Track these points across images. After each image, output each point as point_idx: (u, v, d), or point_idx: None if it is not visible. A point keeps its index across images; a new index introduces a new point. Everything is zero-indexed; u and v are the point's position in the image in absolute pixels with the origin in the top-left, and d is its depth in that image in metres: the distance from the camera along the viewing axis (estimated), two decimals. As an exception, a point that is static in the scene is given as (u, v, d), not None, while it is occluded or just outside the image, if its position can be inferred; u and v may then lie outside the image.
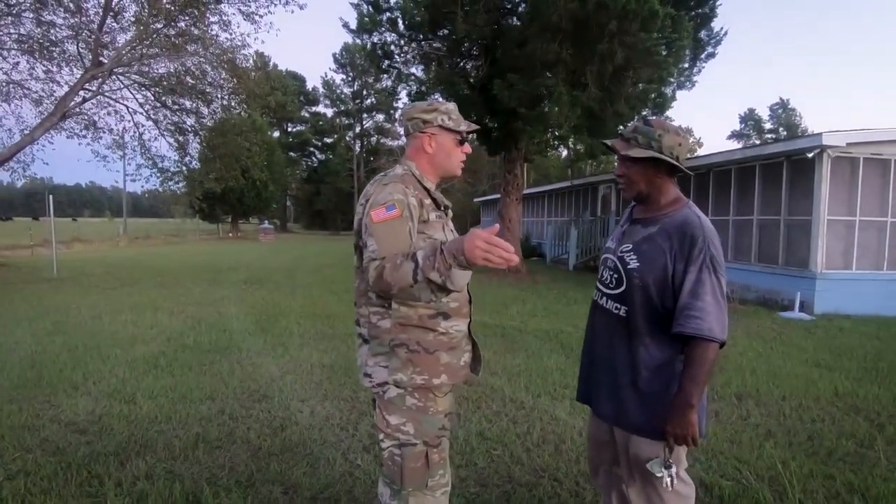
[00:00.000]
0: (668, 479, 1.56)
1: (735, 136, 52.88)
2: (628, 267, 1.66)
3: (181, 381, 3.97)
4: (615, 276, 1.70)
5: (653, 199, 1.70)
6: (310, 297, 8.41)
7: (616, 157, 1.72)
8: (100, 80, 12.08)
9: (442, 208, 1.63)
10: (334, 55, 45.01)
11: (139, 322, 6.21)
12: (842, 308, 7.51)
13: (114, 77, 12.55)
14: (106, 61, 11.87)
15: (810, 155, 7.65)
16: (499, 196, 13.59)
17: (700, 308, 1.51)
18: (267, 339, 5.42)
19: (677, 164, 1.63)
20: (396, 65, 12.43)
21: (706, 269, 1.54)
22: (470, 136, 1.69)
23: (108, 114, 13.79)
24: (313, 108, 49.87)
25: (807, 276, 7.78)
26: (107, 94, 13.04)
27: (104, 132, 13.88)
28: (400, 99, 13.80)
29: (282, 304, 7.69)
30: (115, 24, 12.36)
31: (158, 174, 15.33)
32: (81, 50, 11.90)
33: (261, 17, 12.52)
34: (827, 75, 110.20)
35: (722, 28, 11.17)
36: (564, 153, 18.56)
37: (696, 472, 2.61)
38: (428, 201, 1.57)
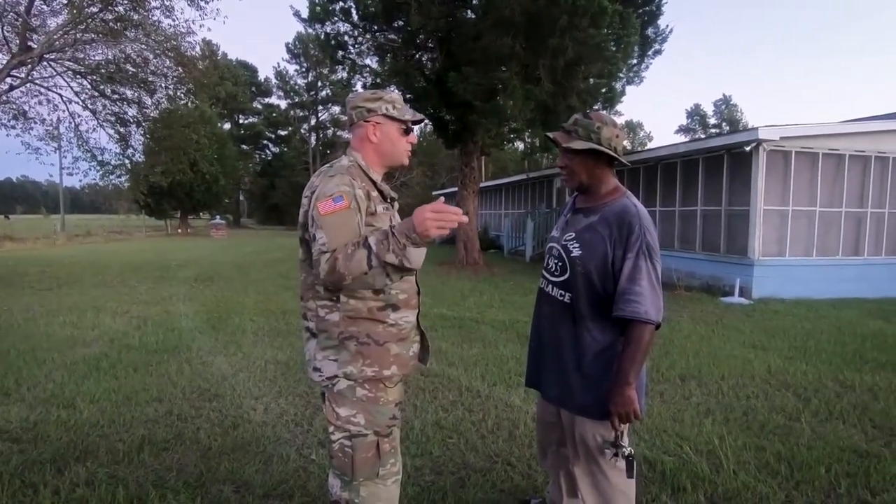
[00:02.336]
0: (622, 461, 1.64)
1: (682, 130, 55.25)
2: (571, 255, 1.72)
3: (125, 384, 3.80)
4: (559, 263, 1.76)
5: (593, 189, 1.77)
6: (264, 293, 8.21)
7: (558, 149, 1.78)
8: (29, 66, 11.24)
9: (388, 200, 1.63)
10: (287, 45, 43.86)
11: (79, 323, 5.89)
12: (777, 292, 8.02)
13: (45, 63, 11.72)
14: (35, 46, 11.06)
15: (748, 148, 8.09)
16: (457, 189, 13.65)
17: (637, 293, 1.59)
18: (218, 338, 5.26)
19: (616, 155, 1.70)
20: (351, 56, 12.22)
21: (642, 256, 1.61)
22: (415, 125, 1.68)
23: (40, 103, 12.83)
24: (266, 100, 48.44)
25: (745, 263, 8.25)
26: (37, 81, 12.16)
27: (35, 122, 12.93)
28: (355, 91, 13.61)
29: (234, 300, 7.47)
30: (44, 6, 11.53)
31: (98, 167, 14.46)
32: (7, 34, 11.04)
33: (206, 2, 11.99)
34: (766, 73, 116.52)
35: (668, 26, 11.61)
36: (520, 146, 18.83)
37: (640, 450, 2.75)
38: (375, 193, 1.57)
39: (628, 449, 1.65)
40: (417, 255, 1.39)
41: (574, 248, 1.73)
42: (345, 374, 1.54)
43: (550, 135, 1.78)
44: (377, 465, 1.58)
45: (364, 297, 1.53)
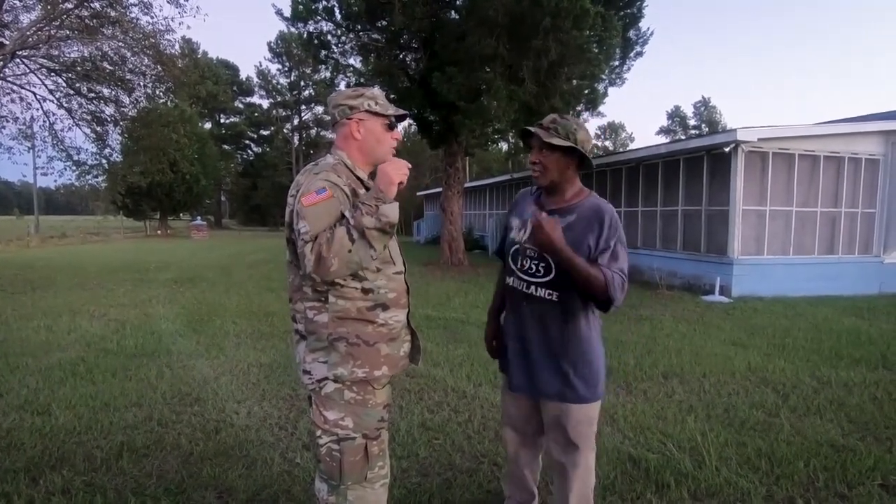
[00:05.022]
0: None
1: (663, 131, 56.12)
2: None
3: (103, 389, 3.71)
4: (542, 264, 1.79)
5: (561, 188, 1.83)
6: (246, 295, 8.09)
7: (531, 145, 1.83)
8: (0, 63, 10.94)
9: None
10: (269, 44, 43.40)
11: (54, 327, 5.73)
12: (755, 291, 8.18)
13: (17, 60, 11.41)
14: (7, 42, 10.76)
15: (727, 149, 8.24)
16: (441, 189, 13.65)
17: (618, 270, 1.71)
18: (200, 340, 5.17)
19: (588, 157, 1.79)
20: (334, 55, 12.14)
21: (620, 245, 1.75)
22: (399, 121, 1.68)
23: (12, 101, 12.45)
24: (248, 99, 47.85)
25: (725, 262, 8.40)
26: (9, 79, 11.84)
27: (8, 121, 12.62)
28: (338, 90, 13.52)
29: (216, 303, 7.34)
30: (17, 1, 11.24)
31: (74, 167, 14.11)
32: (-23, 30, 10.74)
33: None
34: (744, 75, 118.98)
35: (648, 28, 11.79)
36: (504, 147, 18.93)
37: (624, 448, 2.78)
38: (362, 191, 1.55)
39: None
40: (392, 210, 1.44)
41: None
42: (335, 377, 1.52)
43: (532, 128, 1.81)
44: (365, 469, 1.57)
45: (353, 298, 1.51)
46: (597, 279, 1.64)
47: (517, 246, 1.87)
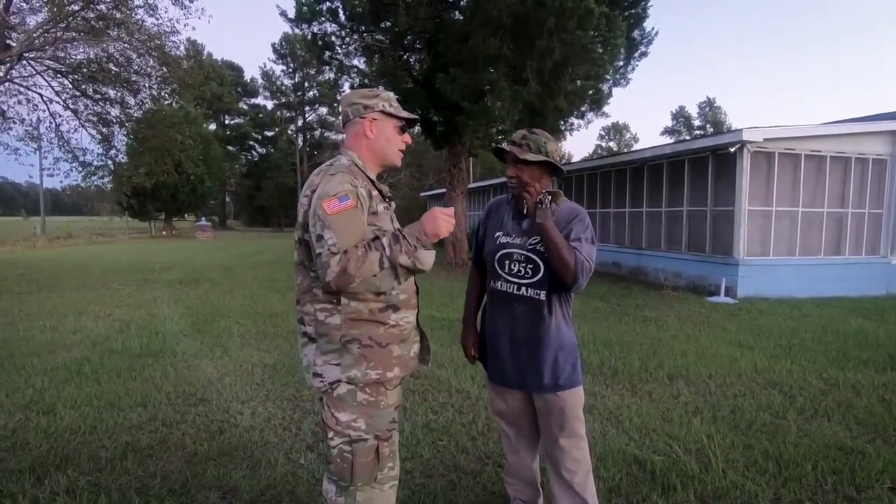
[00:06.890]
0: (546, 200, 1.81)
1: (668, 131, 55.94)
2: (545, 256, 1.84)
3: (108, 389, 3.72)
4: (530, 266, 1.88)
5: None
6: (250, 295, 8.11)
7: (506, 161, 1.93)
8: (7, 65, 11.01)
9: (386, 199, 1.63)
10: (273, 45, 43.51)
11: (59, 327, 5.76)
12: (761, 292, 8.12)
13: (24, 62, 11.49)
14: (14, 44, 10.84)
15: (732, 149, 8.20)
16: (445, 190, 13.65)
17: (586, 259, 1.80)
18: (204, 341, 5.18)
19: (560, 166, 1.89)
20: (338, 56, 12.16)
21: (589, 239, 1.87)
22: (410, 126, 1.69)
23: (19, 102, 12.56)
24: (252, 100, 47.99)
25: (730, 262, 8.35)
26: (16, 80, 11.93)
27: (14, 122, 12.71)
28: (343, 91, 13.53)
29: (220, 303, 7.36)
30: (24, 3, 11.32)
31: (80, 168, 14.19)
32: (-16, 32, 10.80)
33: (191, 1, 11.88)
34: (748, 75, 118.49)
35: (653, 28, 11.72)
36: (508, 148, 18.91)
37: (630, 450, 2.76)
38: (375, 193, 1.56)
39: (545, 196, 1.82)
40: (428, 257, 1.46)
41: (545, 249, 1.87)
42: (348, 379, 1.52)
43: (506, 147, 1.90)
44: (376, 470, 1.57)
45: (365, 299, 1.51)
46: (569, 256, 1.75)
47: (504, 251, 1.92)
